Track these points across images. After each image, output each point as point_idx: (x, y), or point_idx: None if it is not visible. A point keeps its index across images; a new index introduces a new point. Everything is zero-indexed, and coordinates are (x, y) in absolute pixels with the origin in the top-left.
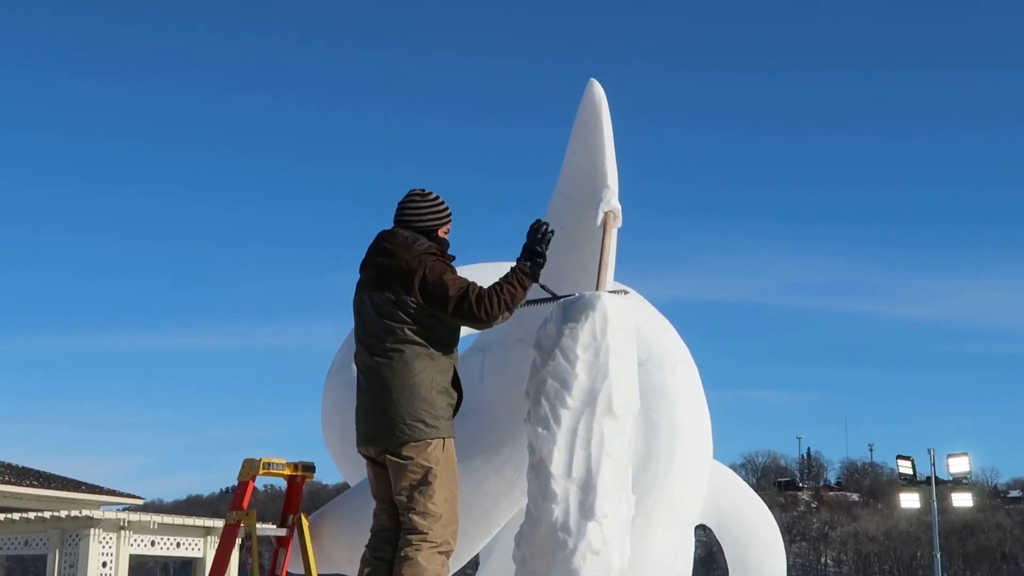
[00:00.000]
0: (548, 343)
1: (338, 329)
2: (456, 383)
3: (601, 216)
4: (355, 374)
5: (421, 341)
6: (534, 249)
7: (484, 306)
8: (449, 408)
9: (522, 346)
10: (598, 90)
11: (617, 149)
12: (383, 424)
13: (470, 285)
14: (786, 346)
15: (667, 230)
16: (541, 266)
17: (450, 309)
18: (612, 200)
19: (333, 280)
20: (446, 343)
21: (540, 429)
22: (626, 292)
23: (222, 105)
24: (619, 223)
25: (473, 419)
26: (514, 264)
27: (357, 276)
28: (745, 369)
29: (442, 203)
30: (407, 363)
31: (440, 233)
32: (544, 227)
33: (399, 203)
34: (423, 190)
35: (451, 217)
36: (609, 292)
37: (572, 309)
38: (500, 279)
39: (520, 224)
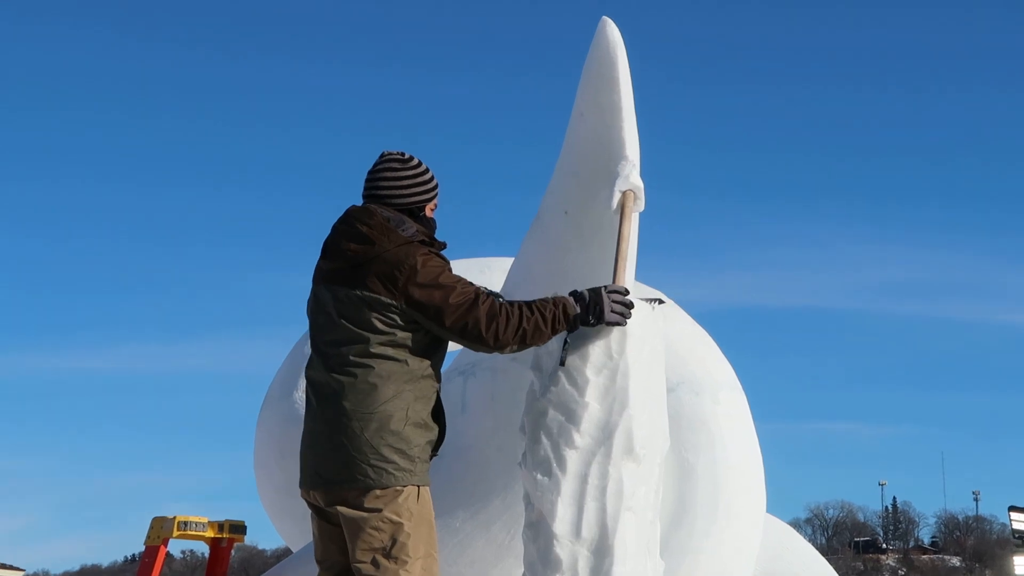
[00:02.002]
0: (549, 363)
1: (277, 346)
2: (438, 414)
3: (618, 197)
4: (301, 398)
5: (397, 356)
6: (596, 308)
7: (496, 326)
8: (428, 447)
9: (516, 367)
10: (613, 32)
11: (638, 108)
12: (339, 463)
13: (479, 292)
14: (866, 365)
15: (707, 215)
16: (586, 323)
17: (449, 322)
18: (632, 176)
19: (273, 282)
20: (429, 361)
21: (539, 475)
22: (661, 301)
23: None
24: (641, 206)
25: (453, 463)
26: (557, 296)
27: (309, 272)
28: (810, 395)
29: (427, 171)
30: (376, 385)
31: (427, 211)
32: (626, 301)
33: (371, 171)
34: (402, 154)
35: (438, 190)
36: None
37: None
38: (529, 301)
39: (516, 206)
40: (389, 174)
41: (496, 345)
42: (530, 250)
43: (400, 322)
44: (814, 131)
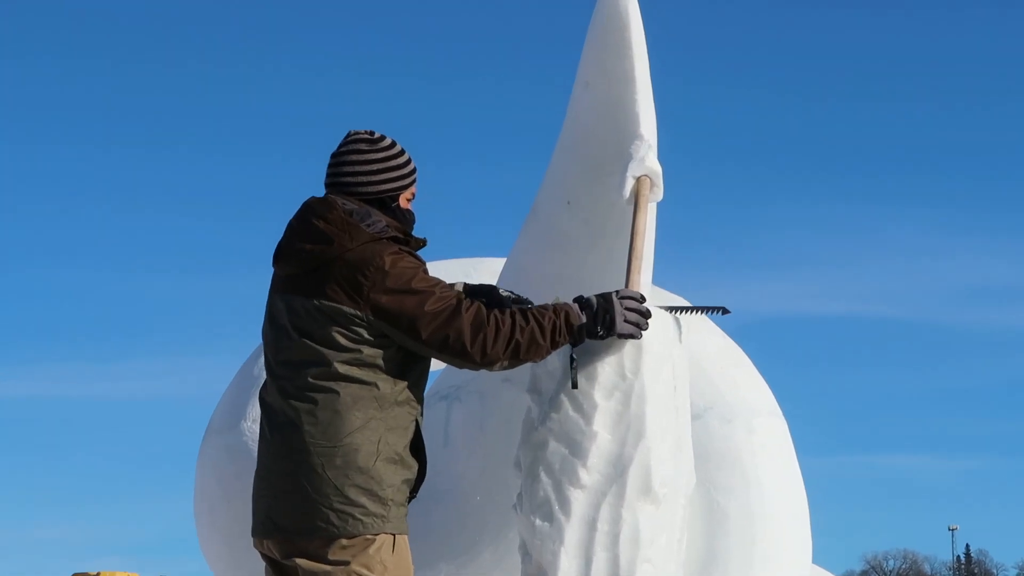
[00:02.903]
0: (550, 385)
1: (222, 367)
2: (417, 448)
3: (631, 184)
4: (250, 428)
5: (365, 378)
6: (606, 317)
7: (484, 338)
8: (404, 487)
9: (509, 390)
10: None
11: (655, 76)
12: (297, 507)
13: (461, 298)
14: (933, 386)
15: (740, 206)
16: (594, 337)
17: (426, 334)
18: (648, 159)
19: (218, 290)
20: (405, 383)
21: (539, 521)
22: (725, 311)
23: None
24: (659, 194)
25: (434, 506)
26: (557, 301)
27: (261, 279)
28: (865, 423)
29: (403, 153)
30: (340, 412)
31: (402, 202)
32: (641, 309)
33: (334, 155)
34: (371, 133)
35: (416, 176)
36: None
37: None
38: (523, 308)
39: (508, 196)
40: (354, 157)
41: (484, 361)
42: (525, 249)
43: (367, 336)
44: (869, 107)
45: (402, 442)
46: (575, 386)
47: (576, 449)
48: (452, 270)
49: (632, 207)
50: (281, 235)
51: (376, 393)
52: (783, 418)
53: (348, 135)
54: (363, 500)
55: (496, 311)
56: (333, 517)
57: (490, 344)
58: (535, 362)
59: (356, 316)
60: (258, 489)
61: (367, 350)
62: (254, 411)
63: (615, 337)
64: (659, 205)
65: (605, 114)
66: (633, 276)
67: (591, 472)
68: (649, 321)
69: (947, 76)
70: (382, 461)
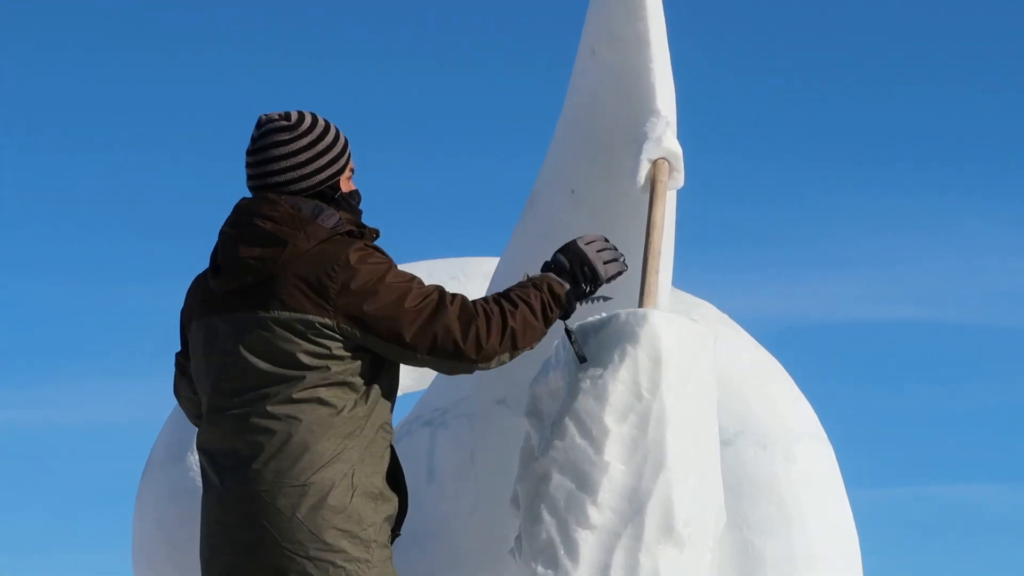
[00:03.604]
0: (552, 406)
1: (162, 389)
2: (396, 479)
3: (646, 169)
4: (194, 466)
5: (332, 400)
6: (584, 269)
7: (476, 332)
8: (386, 525)
9: (503, 414)
10: None
11: (679, 45)
12: (265, 561)
13: (442, 291)
14: (1005, 403)
15: (778, 196)
16: (584, 297)
17: (410, 336)
18: (666, 138)
19: (154, 299)
20: (376, 405)
21: (541, 568)
22: (605, 298)
23: None
24: (679, 181)
25: (417, 549)
26: (533, 275)
27: (183, 292)
28: (926, 447)
29: (329, 129)
30: (307, 443)
31: (343, 183)
32: (609, 247)
33: (251, 150)
34: (286, 116)
35: (349, 148)
36: (663, 310)
37: (596, 341)
38: (500, 293)
39: (502, 186)
40: (277, 151)
41: (480, 357)
42: (522, 247)
43: (335, 351)
44: (936, 89)
45: (379, 473)
46: (584, 360)
47: (584, 483)
48: (438, 272)
49: (648, 195)
50: (212, 246)
51: (345, 418)
52: (828, 443)
53: (259, 122)
54: (343, 544)
55: (480, 300)
56: (310, 567)
57: (484, 336)
58: (531, 348)
59: (323, 325)
60: (212, 547)
61: (335, 367)
62: None
63: (604, 286)
64: (682, 194)
65: (614, 86)
66: (650, 277)
67: (602, 510)
68: (668, 328)
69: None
70: (359, 497)
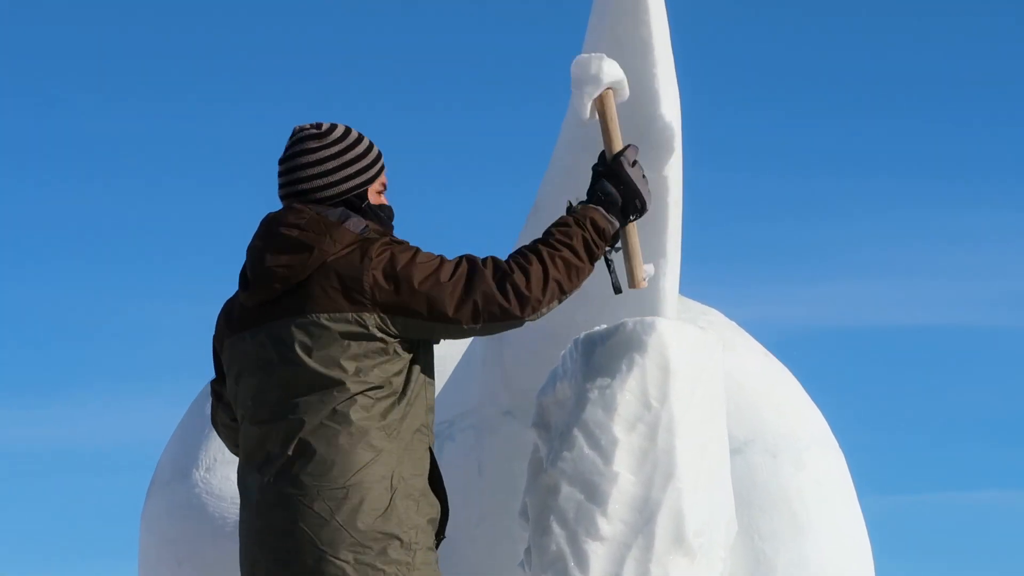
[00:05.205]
0: (560, 417)
1: (167, 408)
2: (436, 482)
3: (588, 106)
4: (203, 478)
5: (371, 404)
6: (636, 202)
7: (515, 289)
8: (430, 528)
9: (511, 424)
10: None
11: (678, 44)
12: (304, 565)
13: (471, 259)
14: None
15: (791, 199)
16: (628, 216)
17: (452, 309)
18: (605, 71)
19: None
20: (415, 407)
21: None
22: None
23: None
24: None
25: None
26: (578, 206)
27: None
28: (941, 452)
29: (361, 140)
30: (344, 448)
31: (372, 197)
32: (629, 152)
33: (283, 159)
34: (319, 125)
35: (382, 162)
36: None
37: (603, 351)
38: (547, 232)
39: (507, 193)
40: (305, 159)
41: (526, 312)
42: None
43: (373, 348)
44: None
45: (419, 475)
46: (618, 291)
47: (593, 494)
48: None
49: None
50: (243, 262)
51: (384, 422)
52: (839, 450)
53: (293, 132)
54: (383, 546)
55: (518, 251)
56: (350, 570)
57: (525, 291)
58: (579, 288)
59: (361, 323)
60: (252, 559)
61: (372, 368)
62: (207, 457)
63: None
64: (693, 198)
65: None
66: (669, 285)
67: (612, 521)
68: (676, 337)
69: None
70: (400, 498)
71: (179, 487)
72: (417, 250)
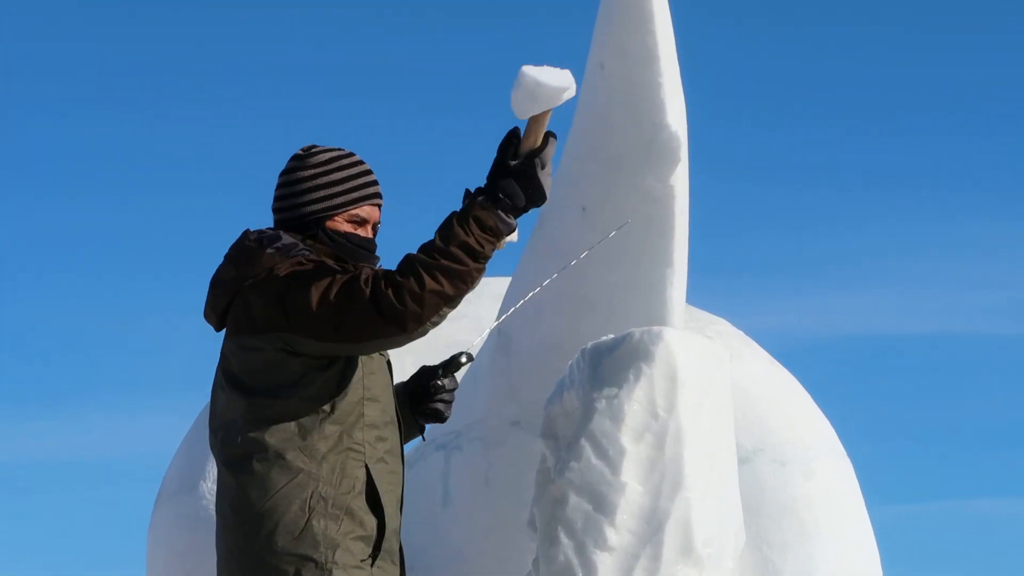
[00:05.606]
0: (567, 427)
1: (174, 420)
2: (373, 493)
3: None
4: (210, 489)
5: (286, 425)
6: (528, 189)
7: (390, 307)
8: (359, 544)
9: (519, 436)
10: None
11: (684, 54)
12: None
13: (351, 278)
14: None
15: (797, 209)
16: (516, 208)
17: (335, 332)
18: (541, 89)
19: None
20: (339, 427)
21: None
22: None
23: None
24: (680, 165)
25: (434, 574)
26: (467, 201)
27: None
28: (950, 461)
29: (343, 167)
30: (259, 473)
31: (340, 224)
32: (546, 153)
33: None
34: (310, 148)
35: (364, 194)
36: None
37: (610, 361)
38: (429, 241)
39: None
40: (280, 179)
41: (408, 326)
42: (531, 267)
43: (286, 371)
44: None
45: (347, 493)
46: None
47: (601, 504)
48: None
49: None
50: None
51: (304, 443)
52: (847, 459)
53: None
54: (296, 568)
55: (398, 267)
56: None
57: (400, 307)
58: (471, 289)
59: (272, 343)
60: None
61: (289, 389)
62: (214, 469)
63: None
64: (698, 207)
65: (624, 102)
66: (675, 290)
67: (620, 531)
68: (683, 347)
69: None
70: (318, 518)
71: (186, 499)
72: (316, 272)
